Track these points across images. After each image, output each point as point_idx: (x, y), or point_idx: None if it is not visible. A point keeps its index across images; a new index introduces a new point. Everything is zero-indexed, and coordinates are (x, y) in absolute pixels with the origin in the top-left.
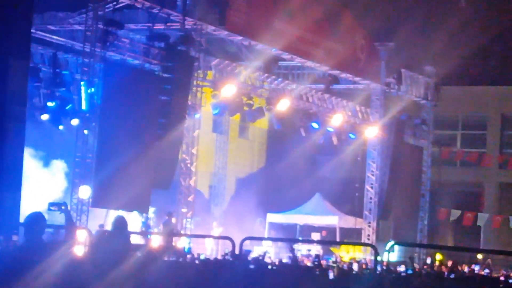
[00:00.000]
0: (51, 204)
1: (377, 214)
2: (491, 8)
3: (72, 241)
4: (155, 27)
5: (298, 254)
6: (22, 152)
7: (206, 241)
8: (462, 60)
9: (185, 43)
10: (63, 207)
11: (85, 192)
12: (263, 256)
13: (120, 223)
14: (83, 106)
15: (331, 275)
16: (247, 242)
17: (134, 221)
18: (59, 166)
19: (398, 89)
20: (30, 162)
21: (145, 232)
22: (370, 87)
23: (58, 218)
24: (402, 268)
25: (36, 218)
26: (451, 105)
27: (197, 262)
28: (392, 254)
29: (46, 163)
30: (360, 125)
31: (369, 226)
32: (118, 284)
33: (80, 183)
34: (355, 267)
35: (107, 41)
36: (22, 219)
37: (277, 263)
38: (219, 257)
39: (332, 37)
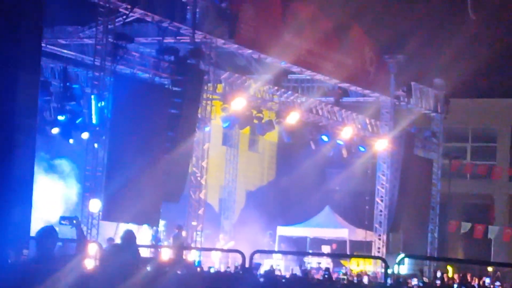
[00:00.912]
0: (62, 218)
1: (387, 226)
2: (501, 20)
3: (83, 255)
4: (165, 41)
5: (308, 267)
6: (33, 166)
7: (212, 254)
8: (472, 73)
9: (195, 57)
10: (74, 221)
11: (95, 205)
12: (269, 271)
13: (129, 237)
14: (93, 120)
15: None
16: (257, 255)
17: (144, 234)
18: (69, 180)
19: (408, 101)
20: (40, 176)
21: (155, 245)
22: (380, 100)
23: (68, 232)
24: (414, 282)
25: (48, 232)
26: (461, 117)
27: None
28: (402, 267)
29: (56, 176)
30: (370, 138)
31: (379, 239)
32: None
33: (90, 197)
34: (365, 280)
35: (117, 55)
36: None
37: (287, 276)
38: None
39: (341, 50)
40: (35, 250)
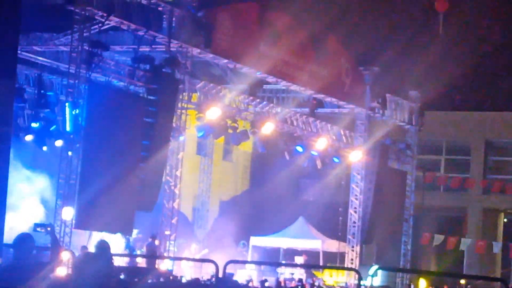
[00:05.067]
0: (37, 225)
1: (361, 238)
2: (475, 34)
3: (56, 262)
4: (140, 49)
5: (281, 278)
6: (7, 172)
7: (182, 263)
8: (447, 86)
9: (170, 65)
10: (48, 228)
11: (68, 213)
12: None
13: (103, 246)
14: (68, 127)
15: None
16: (230, 265)
17: (117, 243)
18: (42, 187)
19: (383, 113)
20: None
21: (129, 254)
22: (355, 111)
23: (41, 239)
24: None
25: (24, 239)
26: (435, 130)
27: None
28: (375, 278)
29: (30, 184)
30: (344, 149)
31: (353, 250)
32: None
33: (63, 205)
34: None
35: (92, 63)
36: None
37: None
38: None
39: (317, 61)
40: (11, 257)
